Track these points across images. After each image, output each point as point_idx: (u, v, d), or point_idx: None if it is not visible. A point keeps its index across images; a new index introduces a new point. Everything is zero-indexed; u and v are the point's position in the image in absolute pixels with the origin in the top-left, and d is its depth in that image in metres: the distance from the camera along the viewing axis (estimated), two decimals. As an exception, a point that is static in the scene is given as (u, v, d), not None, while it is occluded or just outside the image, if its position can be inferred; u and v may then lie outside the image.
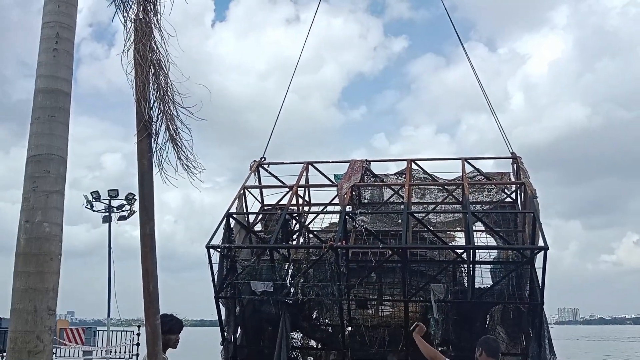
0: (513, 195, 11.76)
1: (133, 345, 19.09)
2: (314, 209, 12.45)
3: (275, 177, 12.15)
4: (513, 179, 11.60)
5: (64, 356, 19.96)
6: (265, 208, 12.28)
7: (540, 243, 8.68)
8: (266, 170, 12.08)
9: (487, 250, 10.29)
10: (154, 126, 4.17)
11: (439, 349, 9.30)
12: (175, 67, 4.12)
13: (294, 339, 10.62)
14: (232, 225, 10.22)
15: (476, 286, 9.48)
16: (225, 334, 9.97)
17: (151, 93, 4.08)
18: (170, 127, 4.22)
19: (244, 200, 11.23)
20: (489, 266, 10.04)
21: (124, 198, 23.67)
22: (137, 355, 18.45)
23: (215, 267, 9.65)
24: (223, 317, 10.11)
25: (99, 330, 23.11)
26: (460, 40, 12.59)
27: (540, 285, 8.76)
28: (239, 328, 10.54)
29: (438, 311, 8.96)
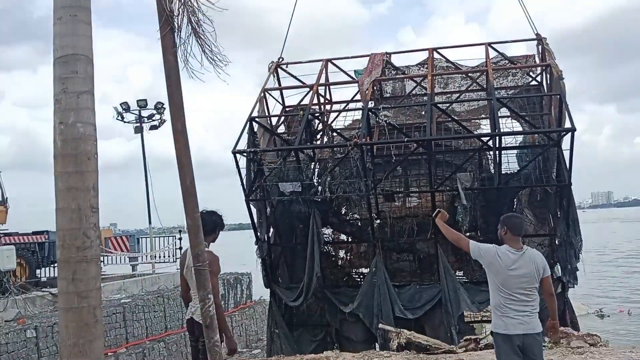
0: (538, 78, 11.47)
1: (176, 249, 19.78)
2: (335, 107, 12.39)
3: (295, 77, 12.02)
4: (538, 61, 11.25)
5: (111, 263, 20.71)
6: (287, 109, 12.25)
7: (567, 125, 8.56)
8: (285, 71, 11.92)
9: (513, 136, 10.25)
10: (175, 20, 4.14)
11: (467, 234, 9.55)
12: None
13: (325, 234, 10.97)
14: (255, 129, 10.27)
15: (503, 172, 9.53)
16: (259, 234, 10.33)
17: None
18: (192, 19, 4.19)
19: (265, 104, 11.21)
20: (515, 152, 10.02)
21: (153, 107, 23.58)
22: None
23: (244, 172, 9.83)
24: (255, 219, 10.43)
25: (142, 237, 23.83)
26: None
27: (568, 166, 8.74)
28: (271, 228, 10.91)
29: (466, 198, 9.07)
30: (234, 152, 9.46)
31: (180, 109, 4.21)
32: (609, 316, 24.32)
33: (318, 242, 9.68)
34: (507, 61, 11.45)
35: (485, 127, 11.17)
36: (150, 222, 23.36)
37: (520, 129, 10.41)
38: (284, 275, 11.30)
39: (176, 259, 19.51)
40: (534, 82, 11.63)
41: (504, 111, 10.85)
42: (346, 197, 9.66)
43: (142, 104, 23.53)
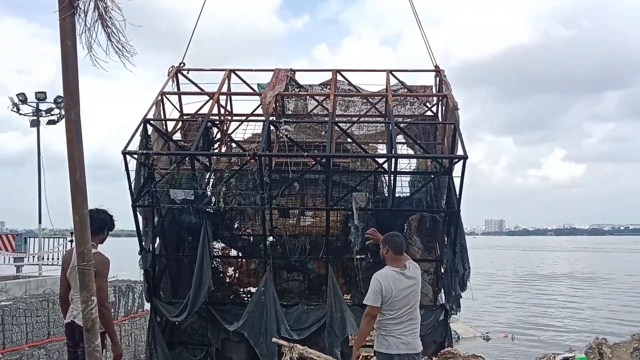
0: (434, 109, 11.90)
1: (66, 251, 18.54)
2: (235, 118, 12.12)
3: (195, 84, 11.61)
4: (435, 92, 11.69)
5: None
6: (184, 116, 11.83)
7: (460, 152, 8.88)
8: (185, 77, 11.50)
9: (407, 161, 10.52)
10: (80, 3, 3.94)
11: (358, 255, 9.58)
12: None
13: (215, 248, 10.57)
14: (149, 133, 9.74)
15: (396, 195, 9.69)
16: (144, 243, 9.73)
17: None
18: (99, 4, 4.01)
19: (162, 108, 10.72)
20: (408, 177, 10.25)
21: (52, 101, 22.33)
22: None
23: (133, 175, 9.26)
24: (141, 227, 9.83)
25: (30, 238, 22.45)
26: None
27: (458, 193, 9.04)
28: (158, 238, 10.34)
29: (359, 219, 9.10)
30: (124, 153, 8.87)
31: (76, 98, 4.03)
32: (492, 339, 25.83)
33: (209, 255, 9.26)
34: (406, 89, 11.78)
35: (382, 151, 11.39)
36: (40, 222, 21.87)
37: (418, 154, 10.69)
38: (166, 290, 10.73)
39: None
40: (429, 113, 12.06)
41: (400, 138, 11.15)
42: (240, 209, 9.35)
43: (41, 96, 22.32)
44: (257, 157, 8.77)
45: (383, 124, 11.46)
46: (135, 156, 9.06)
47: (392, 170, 9.17)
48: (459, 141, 8.94)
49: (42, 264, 20.17)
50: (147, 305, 19.11)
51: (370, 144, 11.46)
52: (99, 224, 5.14)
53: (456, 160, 8.96)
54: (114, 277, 18.47)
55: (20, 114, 22.50)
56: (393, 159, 9.00)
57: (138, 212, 9.52)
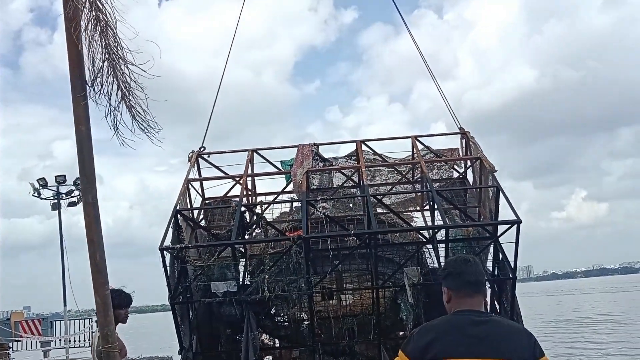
0: (462, 171, 11.63)
1: (92, 332, 17.94)
2: (260, 198, 11.76)
3: (217, 167, 11.30)
4: (462, 155, 11.45)
5: (21, 349, 18.86)
6: (207, 201, 11.45)
7: (511, 216, 8.52)
8: (207, 161, 11.20)
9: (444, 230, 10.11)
10: (104, 88, 3.98)
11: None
12: (123, 24, 3.90)
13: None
14: (180, 223, 9.31)
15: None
16: (183, 342, 9.09)
17: (97, 52, 3.90)
18: (122, 86, 4.04)
19: (188, 195, 10.34)
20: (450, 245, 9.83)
21: (72, 183, 22.65)
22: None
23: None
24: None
25: (56, 321, 21.94)
26: (399, 12, 12.24)
27: (514, 259, 8.62)
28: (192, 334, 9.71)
29: (412, 296, 8.60)
30: (162, 249, 8.40)
31: (92, 181, 4.07)
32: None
33: (253, 349, 8.64)
34: (433, 154, 11.54)
35: (417, 219, 11.01)
36: (65, 305, 21.65)
37: (457, 221, 10.29)
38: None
39: (91, 340, 17.70)
40: (456, 175, 11.77)
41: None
42: (285, 296, 8.82)
43: (61, 179, 22.89)
44: (304, 239, 8.32)
45: (412, 192, 11.17)
46: (170, 251, 8.58)
47: (441, 239, 8.75)
48: (508, 205, 8.59)
49: (69, 347, 20.07)
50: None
51: (405, 213, 11.08)
52: (118, 301, 4.97)
53: (510, 225, 8.57)
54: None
55: (42, 199, 22.88)
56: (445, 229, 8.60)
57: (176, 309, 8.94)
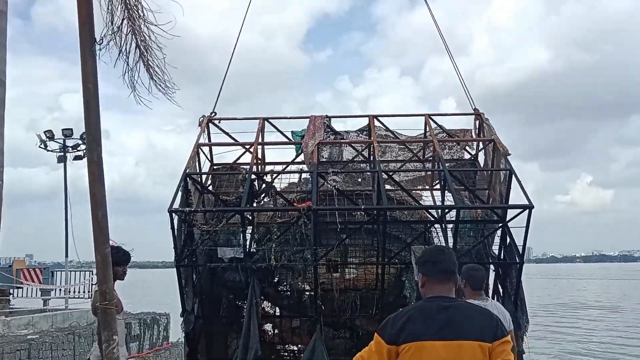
0: (473, 152, 11.53)
1: (92, 284, 18.33)
2: (268, 167, 11.71)
3: (228, 134, 11.21)
4: (474, 136, 11.34)
5: (22, 297, 19.65)
6: (215, 167, 11.39)
7: (523, 201, 8.46)
8: (217, 127, 11.10)
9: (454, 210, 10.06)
10: (122, 46, 3.95)
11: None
12: None
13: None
14: (188, 187, 9.27)
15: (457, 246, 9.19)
16: (186, 304, 9.12)
17: (117, 9, 3.86)
18: (141, 45, 4.02)
19: (197, 160, 10.27)
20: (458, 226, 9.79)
21: (79, 137, 22.73)
22: None
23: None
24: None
25: (57, 271, 22.40)
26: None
27: (522, 245, 8.58)
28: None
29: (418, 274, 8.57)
30: (170, 212, 8.36)
31: (98, 140, 4.04)
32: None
33: (257, 316, 8.67)
34: (445, 134, 11.43)
35: (427, 198, 10.95)
36: (67, 255, 22.15)
37: (466, 202, 10.23)
38: (202, 351, 10.05)
39: (92, 294, 18.06)
40: (467, 156, 11.68)
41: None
42: (290, 266, 8.81)
43: (68, 133, 22.93)
44: (313, 211, 8.28)
45: (424, 171, 11.10)
46: (179, 214, 8.55)
47: (451, 219, 8.70)
48: (521, 189, 8.53)
49: (69, 297, 20.29)
50: (172, 338, 18.93)
51: (414, 191, 11.02)
52: (116, 258, 5.05)
53: (522, 210, 8.51)
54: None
55: (48, 150, 23.00)
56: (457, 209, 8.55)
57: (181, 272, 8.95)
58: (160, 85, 4.18)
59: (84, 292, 19.81)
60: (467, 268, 5.61)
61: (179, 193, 8.91)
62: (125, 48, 3.99)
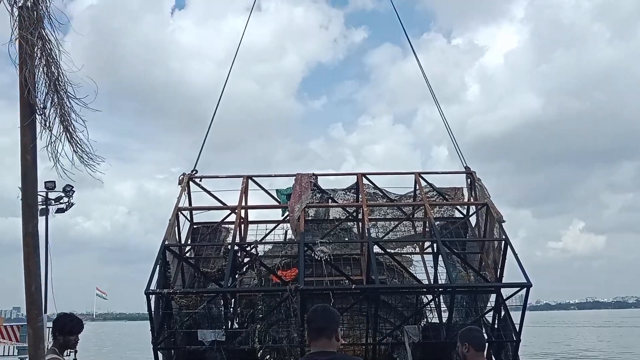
0: (464, 211, 11.16)
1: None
2: (251, 227, 11.21)
3: (210, 193, 10.70)
4: (466, 194, 10.98)
5: None
6: (195, 227, 10.86)
7: (519, 273, 8.06)
8: (198, 185, 10.58)
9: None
10: (45, 119, 3.99)
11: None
12: (68, 57, 4.00)
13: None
14: (167, 259, 8.72)
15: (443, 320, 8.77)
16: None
17: (42, 84, 3.95)
18: (64, 119, 4.08)
19: (177, 225, 9.73)
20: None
21: (61, 190, 22.83)
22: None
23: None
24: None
25: None
26: (406, 35, 11.83)
27: (520, 322, 8.15)
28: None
29: (412, 355, 8.10)
30: (147, 294, 7.78)
31: (34, 211, 3.98)
32: None
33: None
34: (436, 192, 11.06)
35: (417, 263, 10.51)
36: (46, 311, 21.14)
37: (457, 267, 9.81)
38: None
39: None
40: (458, 214, 11.31)
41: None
42: (277, 347, 8.27)
43: (50, 185, 22.55)
44: (301, 291, 7.77)
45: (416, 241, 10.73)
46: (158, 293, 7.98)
47: (441, 292, 8.26)
48: (518, 265, 8.12)
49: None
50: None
51: (404, 255, 10.59)
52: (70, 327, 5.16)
53: (519, 288, 8.11)
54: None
55: None
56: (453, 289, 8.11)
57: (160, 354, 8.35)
58: (83, 159, 4.23)
59: (61, 347, 19.07)
60: (465, 330, 5.20)
61: (157, 268, 8.35)
62: (49, 122, 4.05)
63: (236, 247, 8.73)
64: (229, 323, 8.10)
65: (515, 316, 8.66)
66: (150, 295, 7.84)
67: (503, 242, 8.73)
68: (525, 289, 7.91)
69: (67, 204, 23.00)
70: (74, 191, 22.75)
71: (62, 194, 23.01)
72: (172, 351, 8.48)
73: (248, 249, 9.38)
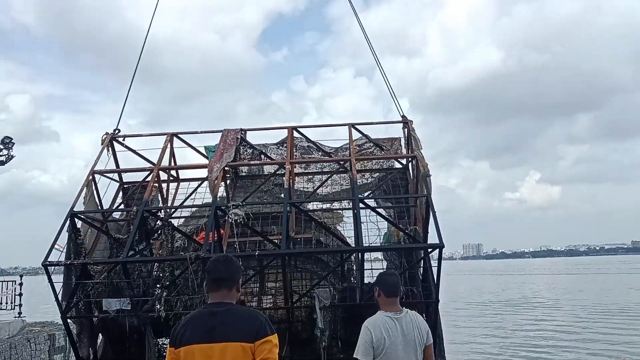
0: (404, 161, 10.75)
1: (15, 295, 17.53)
2: (182, 184, 10.90)
3: (134, 151, 10.31)
4: (404, 144, 10.55)
5: None
6: (125, 186, 10.55)
7: (434, 239, 7.75)
8: (122, 144, 10.17)
9: (377, 232, 9.40)
10: None
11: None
12: None
13: (165, 344, 9.30)
14: (77, 225, 8.43)
15: (365, 280, 8.53)
16: (80, 353, 8.41)
17: None
18: None
19: (94, 186, 9.39)
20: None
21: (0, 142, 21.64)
22: (20, 305, 17.35)
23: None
24: (74, 334, 8.54)
25: None
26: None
27: (436, 282, 7.91)
28: (100, 335, 9.04)
29: (324, 319, 7.91)
30: (45, 265, 7.53)
31: None
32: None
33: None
34: (371, 143, 10.62)
35: (347, 219, 10.20)
36: None
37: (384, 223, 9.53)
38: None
39: (15, 305, 17.35)
40: (397, 165, 10.91)
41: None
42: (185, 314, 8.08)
43: None
44: (201, 259, 7.51)
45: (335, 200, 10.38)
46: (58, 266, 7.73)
47: (361, 259, 8.00)
48: (434, 224, 7.78)
49: None
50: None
51: (335, 211, 10.29)
52: None
53: (431, 249, 7.83)
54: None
55: None
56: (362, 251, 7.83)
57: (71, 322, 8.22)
58: None
59: (7, 302, 17.85)
60: (379, 274, 5.04)
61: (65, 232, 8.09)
62: None
63: (146, 213, 8.39)
64: (134, 292, 7.85)
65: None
66: (49, 269, 7.57)
67: (425, 199, 8.38)
68: (438, 249, 7.60)
69: (6, 156, 21.84)
70: (13, 143, 21.63)
71: (1, 146, 21.86)
72: (82, 320, 8.33)
73: (159, 214, 9.04)
